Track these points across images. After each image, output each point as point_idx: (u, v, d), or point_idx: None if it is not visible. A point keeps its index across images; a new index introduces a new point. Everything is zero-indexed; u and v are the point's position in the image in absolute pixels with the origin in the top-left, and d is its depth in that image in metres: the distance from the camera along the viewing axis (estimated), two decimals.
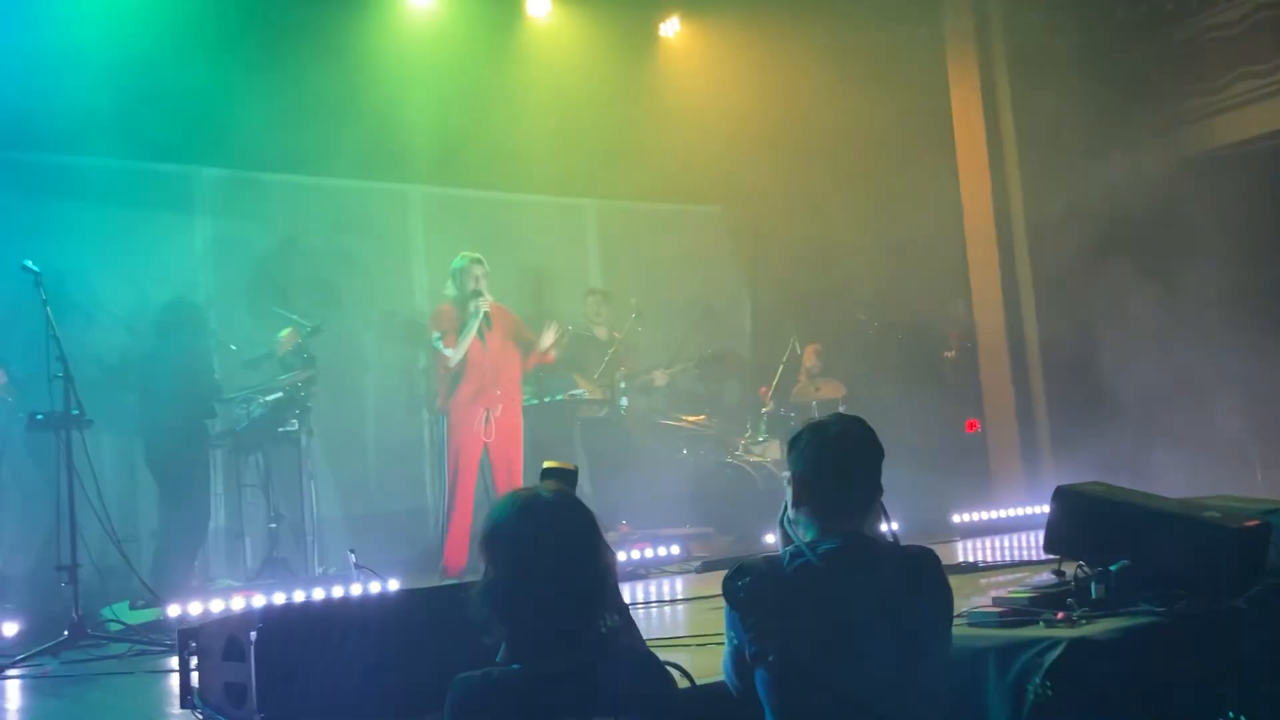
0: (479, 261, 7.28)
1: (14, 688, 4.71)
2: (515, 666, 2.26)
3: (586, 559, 2.34)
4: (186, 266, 7.82)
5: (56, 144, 7.29)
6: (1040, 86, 8.34)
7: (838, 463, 2.67)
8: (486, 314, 7.23)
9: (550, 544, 2.32)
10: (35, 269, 5.84)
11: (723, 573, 2.67)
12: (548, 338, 7.60)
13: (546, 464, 2.85)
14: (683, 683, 2.74)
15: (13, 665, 4.98)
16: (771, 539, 7.52)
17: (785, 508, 2.74)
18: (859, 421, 2.72)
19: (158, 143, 7.65)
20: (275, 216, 8.30)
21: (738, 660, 2.65)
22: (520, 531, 2.34)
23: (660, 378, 8.75)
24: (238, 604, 5.91)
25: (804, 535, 2.68)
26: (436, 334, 7.26)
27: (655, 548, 7.47)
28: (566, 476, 2.80)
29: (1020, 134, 8.68)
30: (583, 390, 8.51)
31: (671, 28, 9.75)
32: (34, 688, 4.69)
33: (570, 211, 9.92)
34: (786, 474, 2.74)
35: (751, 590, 2.59)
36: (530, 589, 2.30)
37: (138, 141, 7.55)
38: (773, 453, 9.04)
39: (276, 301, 7.99)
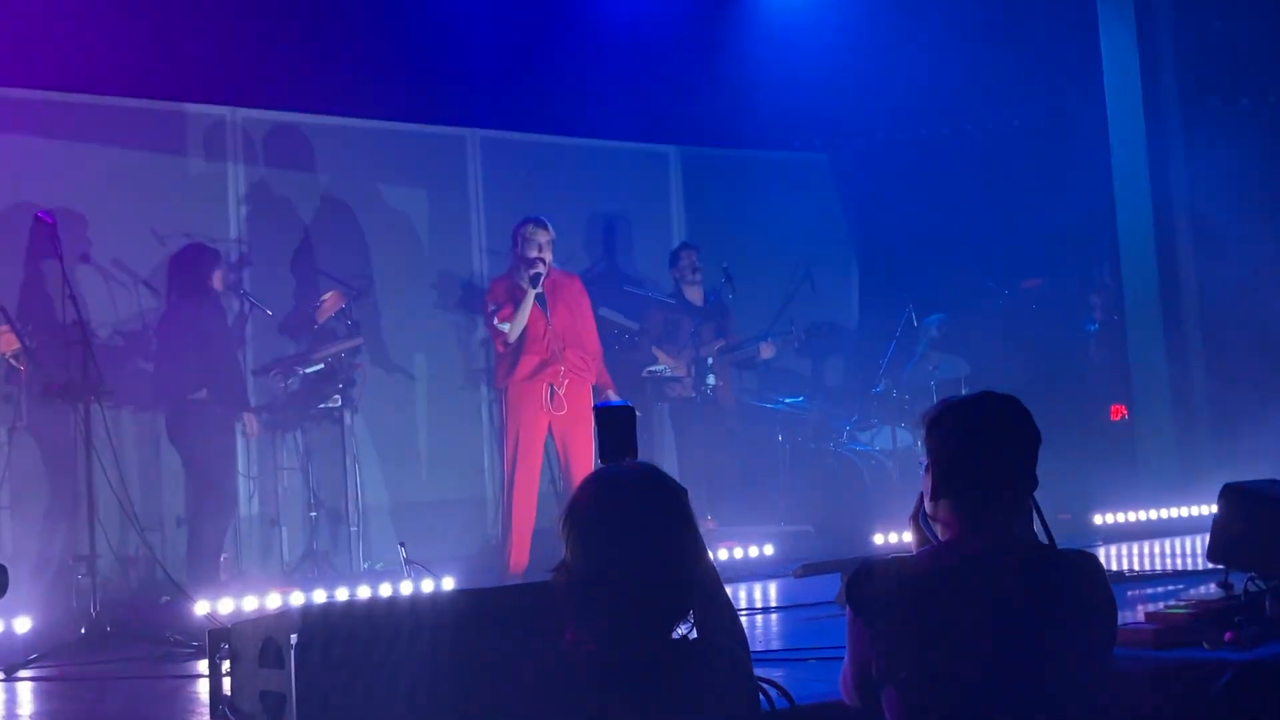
0: (543, 226, 7.28)
1: (25, 691, 4.76)
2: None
3: (670, 546, 2.37)
4: (218, 219, 7.89)
5: (69, 79, 7.35)
6: (1204, 24, 8.12)
7: (986, 450, 2.60)
8: (540, 293, 7.27)
9: (629, 527, 2.35)
10: (49, 219, 5.89)
11: (823, 578, 2.63)
12: (768, 351, 8.42)
13: (598, 406, 2.96)
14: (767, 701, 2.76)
15: (25, 666, 5.03)
16: (880, 540, 7.65)
17: (920, 502, 2.70)
18: (1012, 402, 2.65)
19: (187, 79, 7.70)
20: (318, 164, 8.34)
21: (861, 677, 2.62)
22: (596, 513, 2.38)
23: (766, 350, 8.68)
24: (274, 602, 5.97)
25: (943, 535, 2.63)
26: (493, 307, 7.31)
27: (745, 548, 7.53)
28: (622, 412, 2.86)
29: (1181, 74, 8.46)
30: (663, 366, 8.47)
31: None
32: (46, 692, 4.74)
33: (650, 160, 9.88)
34: (923, 462, 2.70)
35: (881, 597, 2.56)
36: (606, 578, 2.34)
37: (164, 78, 7.61)
38: (882, 440, 8.96)
39: (318, 261, 8.04)
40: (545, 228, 7.29)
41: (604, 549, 2.35)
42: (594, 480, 2.45)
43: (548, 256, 7.27)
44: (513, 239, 7.37)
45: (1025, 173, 9.22)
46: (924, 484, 2.68)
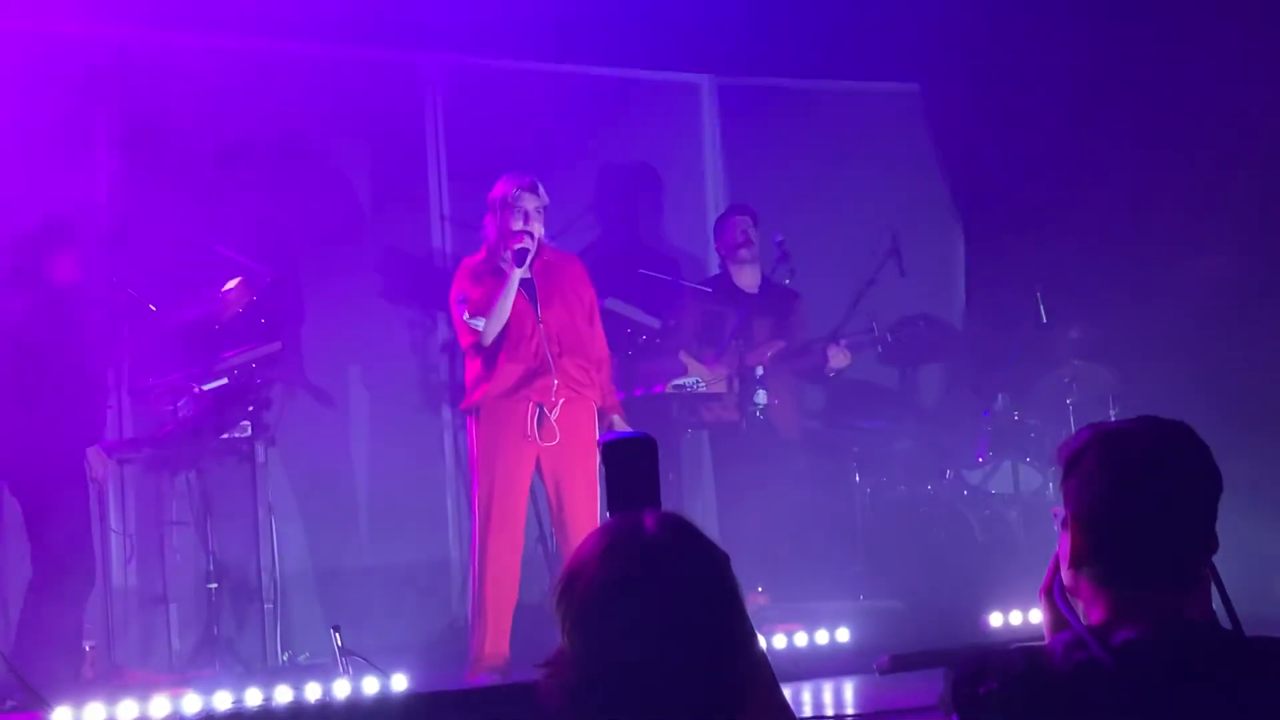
0: (531, 188, 7.30)
1: None
2: None
3: (706, 632, 2.39)
4: (73, 175, 7.80)
5: None
6: None
7: (1148, 498, 2.58)
8: (528, 278, 7.28)
9: (649, 605, 2.37)
10: None
11: (918, 675, 2.60)
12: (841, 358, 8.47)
13: (604, 438, 2.98)
14: None
15: None
16: (998, 621, 7.60)
17: (1055, 569, 2.67)
18: (1183, 431, 2.63)
19: None
20: (219, 103, 8.30)
21: None
22: (603, 586, 2.40)
23: (837, 357, 8.63)
24: (160, 709, 5.95)
25: (1087, 616, 2.60)
26: (462, 297, 7.32)
27: (811, 632, 7.55)
28: (641, 448, 2.90)
29: None
30: (696, 378, 8.47)
31: None
32: None
33: (676, 95, 9.91)
34: (1059, 513, 2.67)
35: (1003, 702, 2.53)
36: (617, 677, 2.35)
37: None
38: (1001, 482, 8.94)
39: (219, 237, 8.05)
40: (535, 190, 7.30)
41: (614, 637, 2.36)
42: (600, 540, 2.45)
43: (538, 228, 7.28)
44: (490, 205, 7.38)
45: (1199, 112, 9.15)
46: (1061, 544, 2.66)
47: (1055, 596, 2.67)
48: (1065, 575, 2.66)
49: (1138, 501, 2.58)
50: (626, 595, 2.38)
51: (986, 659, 2.58)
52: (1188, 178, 9.20)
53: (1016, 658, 2.57)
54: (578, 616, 2.39)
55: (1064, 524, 2.65)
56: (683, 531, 2.45)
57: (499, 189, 7.34)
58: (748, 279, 8.81)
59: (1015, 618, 7.60)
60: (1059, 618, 2.66)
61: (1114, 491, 2.60)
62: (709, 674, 2.37)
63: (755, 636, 2.46)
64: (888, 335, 8.81)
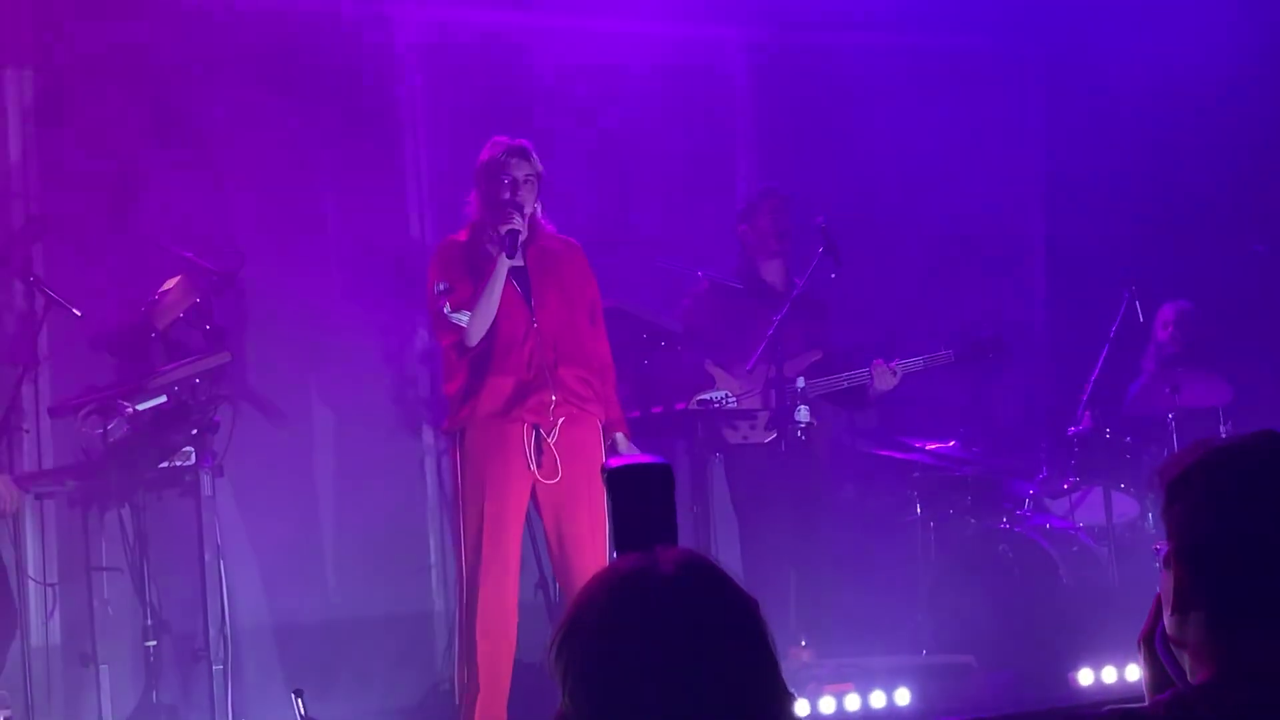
0: (521, 154, 7.30)
1: None
2: None
3: (734, 692, 2.40)
4: None
5: None
6: None
7: (1269, 528, 2.56)
8: (524, 248, 7.25)
9: (668, 661, 2.39)
10: None
11: None
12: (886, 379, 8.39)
13: (611, 465, 3.05)
14: None
15: None
16: (1089, 680, 7.57)
17: (1157, 614, 2.67)
18: None
19: None
20: (152, 67, 8.31)
21: None
22: (616, 637, 2.42)
23: (883, 378, 8.58)
24: None
25: (1195, 671, 2.59)
26: (442, 285, 7.29)
27: (864, 692, 7.55)
28: (655, 478, 2.92)
29: None
30: (723, 392, 8.47)
31: None
32: None
33: (698, 51, 9.93)
34: (1161, 549, 2.61)
35: None
36: None
37: None
38: (1089, 512, 8.98)
39: (155, 227, 8.08)
40: (526, 156, 7.28)
41: (622, 693, 2.39)
42: (606, 581, 2.48)
43: (530, 203, 7.28)
44: (475, 175, 7.37)
45: None
46: (1163, 585, 2.64)
47: (1157, 648, 2.66)
48: (1168, 622, 2.64)
49: (1256, 532, 2.57)
50: (636, 645, 2.39)
51: None
52: None
53: None
54: (580, 671, 2.41)
55: (1166, 561, 2.63)
56: (703, 573, 2.46)
57: (484, 154, 7.32)
58: (776, 275, 8.83)
59: (1109, 675, 7.61)
60: (1160, 674, 2.65)
61: (1227, 521, 2.58)
62: None
63: (790, 696, 2.46)
64: (951, 356, 8.70)
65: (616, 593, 2.46)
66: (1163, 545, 2.68)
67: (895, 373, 8.61)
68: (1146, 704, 2.63)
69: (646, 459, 3.07)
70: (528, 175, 7.25)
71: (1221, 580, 2.59)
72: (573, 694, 2.41)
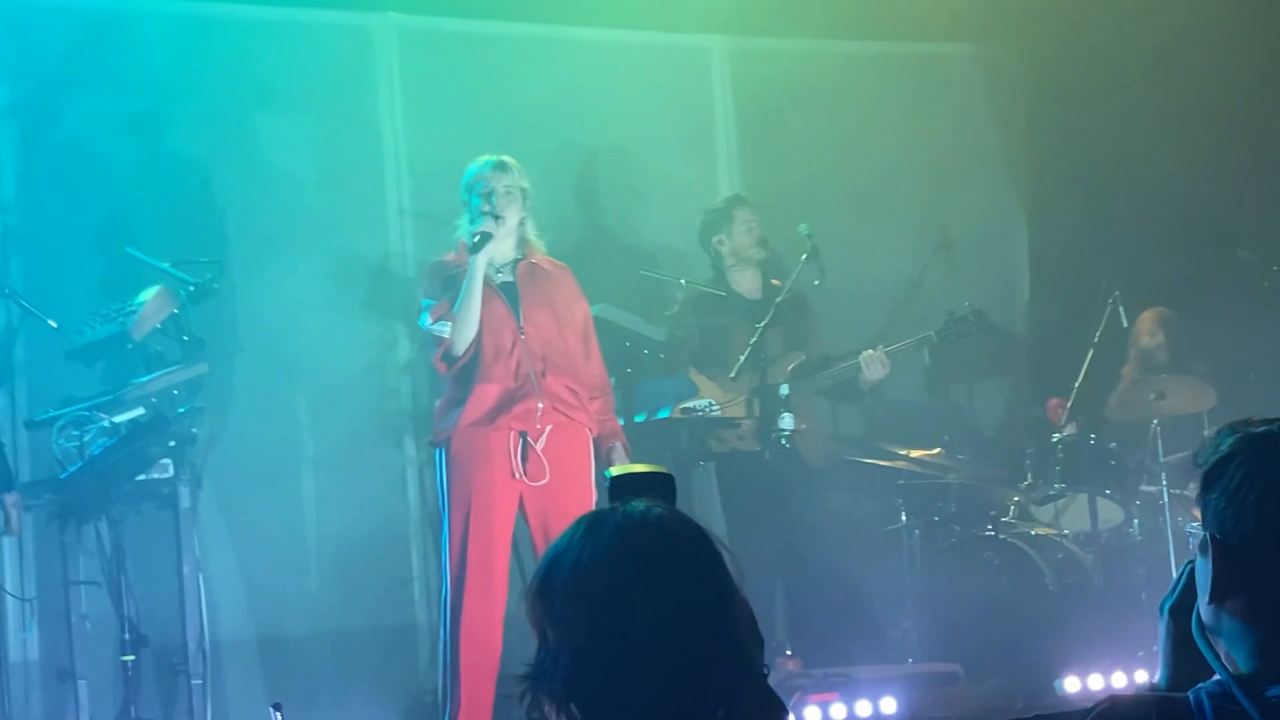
0: (500, 166, 7.37)
1: None
2: None
3: (706, 618, 2.51)
4: None
5: None
6: None
7: None
8: (514, 264, 7.36)
9: (646, 592, 2.49)
10: None
11: None
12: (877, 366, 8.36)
13: (614, 471, 3.02)
14: None
15: None
16: (1075, 687, 7.53)
17: (1195, 606, 2.63)
18: None
19: None
20: (132, 72, 8.30)
21: None
22: (596, 573, 2.51)
23: (873, 366, 8.60)
24: None
25: (1231, 660, 2.56)
26: (426, 300, 7.36)
27: (849, 701, 7.57)
28: (657, 486, 2.98)
29: None
30: (708, 399, 8.45)
31: None
32: None
33: (681, 57, 9.96)
34: (1195, 531, 2.60)
35: None
36: (610, 666, 2.47)
37: None
38: (1075, 519, 8.99)
39: (132, 239, 8.01)
40: (505, 169, 7.37)
41: (609, 614, 2.48)
42: (580, 523, 2.60)
43: (513, 215, 7.35)
44: (462, 191, 7.45)
45: None
46: (1200, 573, 2.62)
47: (1194, 635, 2.63)
48: (1204, 611, 2.61)
49: None
50: (619, 566, 2.49)
51: (1110, 710, 2.54)
52: None
53: (1146, 711, 2.54)
54: (563, 600, 2.51)
55: (1203, 547, 2.60)
56: (669, 518, 2.61)
57: (469, 177, 7.43)
58: (748, 283, 8.81)
59: (1095, 682, 7.61)
60: (1195, 663, 2.61)
61: (1268, 507, 2.54)
62: (693, 663, 2.47)
63: (749, 625, 2.57)
64: (933, 335, 8.72)
65: (592, 526, 2.56)
66: (1196, 528, 2.63)
67: (885, 359, 8.62)
68: (1178, 695, 2.59)
69: (650, 470, 3.05)
70: (507, 187, 7.34)
71: (1260, 568, 2.56)
72: (557, 627, 2.50)
